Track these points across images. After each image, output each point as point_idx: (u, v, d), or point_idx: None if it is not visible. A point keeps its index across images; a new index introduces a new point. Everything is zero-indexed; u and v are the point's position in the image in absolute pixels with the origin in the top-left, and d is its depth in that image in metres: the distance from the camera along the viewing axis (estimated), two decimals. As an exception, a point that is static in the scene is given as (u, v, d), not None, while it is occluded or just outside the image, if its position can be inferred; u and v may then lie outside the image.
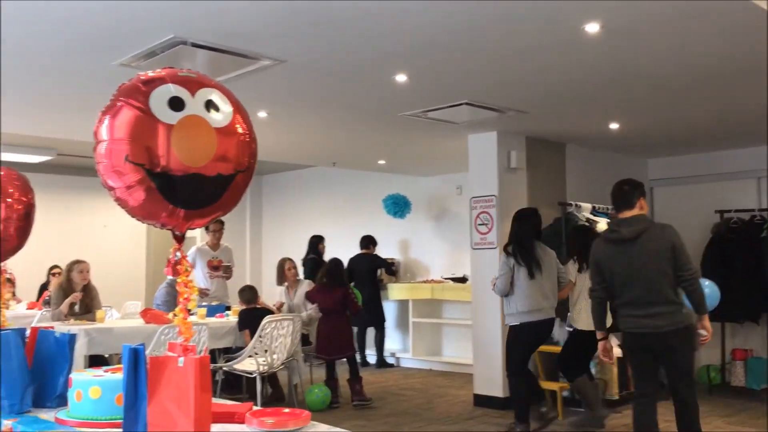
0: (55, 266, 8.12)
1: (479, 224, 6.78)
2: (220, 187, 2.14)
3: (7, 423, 2.43)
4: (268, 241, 11.42)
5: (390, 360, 9.16)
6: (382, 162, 8.62)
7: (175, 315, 2.25)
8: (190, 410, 1.92)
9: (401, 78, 4.89)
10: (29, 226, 3.11)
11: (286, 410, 2.49)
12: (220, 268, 7.31)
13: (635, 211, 4.09)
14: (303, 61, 4.53)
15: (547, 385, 6.26)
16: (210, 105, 2.15)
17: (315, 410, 5.76)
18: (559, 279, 5.45)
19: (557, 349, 6.34)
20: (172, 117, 2.06)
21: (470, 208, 6.86)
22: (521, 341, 5.32)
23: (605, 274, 4.11)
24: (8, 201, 2.97)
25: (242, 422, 2.39)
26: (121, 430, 2.13)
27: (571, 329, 5.72)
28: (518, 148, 6.87)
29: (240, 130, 2.20)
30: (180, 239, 2.18)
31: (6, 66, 4.62)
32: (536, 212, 5.55)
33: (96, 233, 10.54)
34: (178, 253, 2.19)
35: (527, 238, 5.33)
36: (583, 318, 5.49)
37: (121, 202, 2.11)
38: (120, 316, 7.56)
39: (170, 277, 6.92)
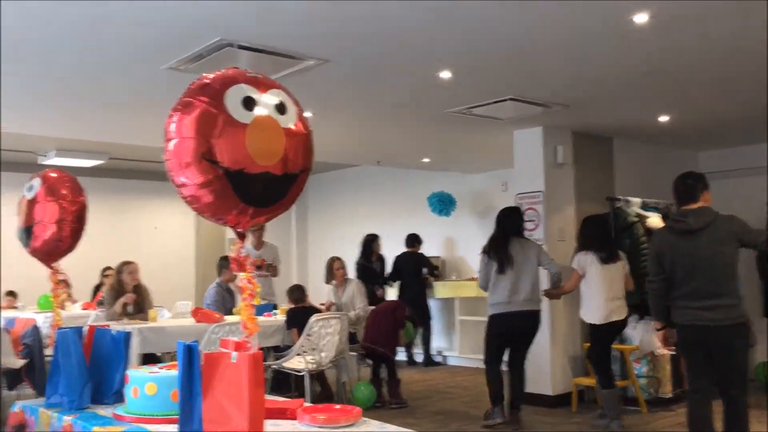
0: (108, 267, 8.30)
1: (526, 220, 6.70)
2: (287, 186, 2.19)
3: (67, 419, 2.50)
4: (314, 240, 11.50)
5: (437, 358, 9.14)
6: (426, 160, 8.60)
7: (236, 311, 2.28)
8: (244, 405, 1.95)
9: (446, 75, 4.87)
10: (82, 227, 3.19)
11: (337, 407, 2.51)
12: (263, 267, 7.38)
13: (700, 204, 4.02)
14: (347, 60, 4.55)
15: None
16: (279, 105, 2.20)
17: (361, 408, 5.76)
18: (549, 271, 5.56)
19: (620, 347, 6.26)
20: (246, 116, 2.11)
21: (516, 205, 6.78)
22: (491, 332, 5.60)
23: (666, 265, 4.04)
24: (61, 202, 3.06)
25: (294, 418, 2.41)
26: (176, 425, 2.17)
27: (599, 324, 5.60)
28: (564, 143, 6.78)
29: (303, 131, 2.26)
30: (243, 236, 2.21)
31: (59, 72, 4.75)
32: (515, 210, 5.81)
33: (147, 235, 10.77)
34: (244, 250, 2.23)
35: (502, 236, 5.58)
36: (601, 311, 5.45)
37: (192, 200, 2.14)
38: (171, 316, 7.70)
39: (218, 279, 7.04)
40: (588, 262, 5.53)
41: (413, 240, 9.03)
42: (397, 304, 6.86)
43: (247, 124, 2.10)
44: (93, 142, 7.85)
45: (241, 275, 2.24)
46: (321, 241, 11.26)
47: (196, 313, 6.07)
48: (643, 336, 6.23)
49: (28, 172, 9.23)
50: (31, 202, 2.96)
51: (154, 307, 6.50)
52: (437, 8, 3.65)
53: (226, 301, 7.05)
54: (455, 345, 9.07)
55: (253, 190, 2.11)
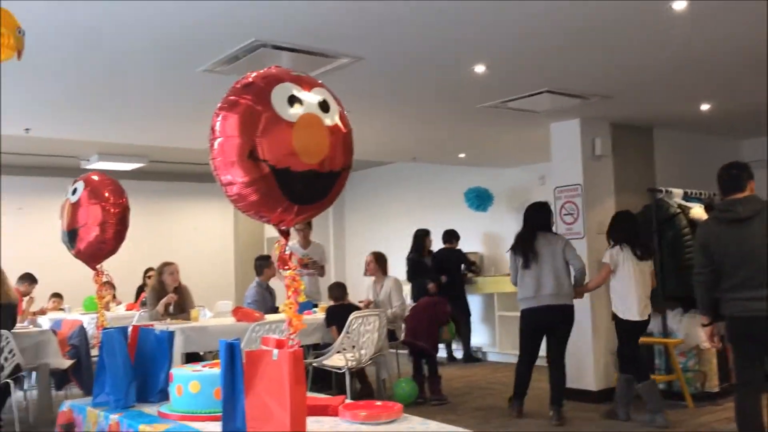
0: (150, 269, 8.45)
1: (564, 214, 6.63)
2: (330, 184, 2.21)
3: (114, 417, 2.55)
4: (351, 237, 11.55)
5: (476, 354, 9.09)
6: (462, 155, 8.55)
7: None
8: (286, 402, 1.96)
9: (480, 69, 4.84)
10: (125, 228, 3.25)
11: (378, 403, 2.51)
12: (309, 266, 7.41)
13: (746, 193, 3.94)
14: (381, 57, 4.55)
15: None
16: (322, 103, 2.22)
17: (402, 404, 5.77)
18: (573, 267, 5.52)
19: (654, 340, 6.15)
20: (292, 115, 2.13)
21: (554, 198, 6.71)
22: (521, 327, 5.66)
23: (714, 256, 3.95)
24: (104, 205, 3.11)
25: (335, 415, 2.42)
26: (220, 422, 2.19)
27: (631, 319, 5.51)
28: (603, 134, 6.68)
29: (345, 129, 2.27)
30: (286, 234, 2.23)
31: (98, 78, 4.84)
32: (540, 205, 5.81)
33: (187, 236, 10.94)
34: (289, 248, 2.25)
35: (528, 231, 5.63)
36: (638, 307, 5.38)
37: (238, 198, 2.16)
38: (212, 315, 7.81)
39: (257, 278, 7.09)
40: (622, 257, 5.46)
41: (450, 236, 8.99)
42: (437, 300, 6.85)
43: (293, 122, 2.11)
44: (133, 145, 7.99)
45: (286, 273, 2.25)
46: (358, 238, 11.29)
47: (237, 312, 6.14)
48: (689, 329, 6.12)
49: (72, 177, 9.45)
50: (75, 206, 3.02)
51: (196, 306, 6.60)
52: (469, 2, 3.62)
53: (266, 300, 7.11)
54: (495, 341, 9.01)
55: (299, 188, 2.13)
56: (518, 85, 5.36)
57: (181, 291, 6.49)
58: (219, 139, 2.15)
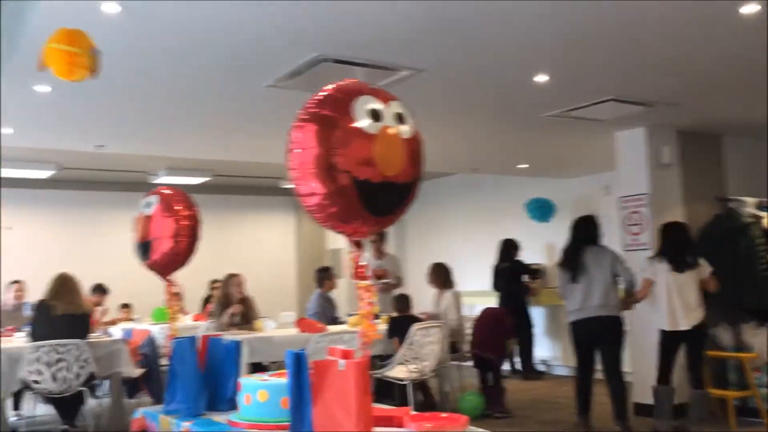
0: (216, 280, 8.62)
1: (630, 224, 6.49)
2: (405, 195, 2.24)
3: (185, 425, 2.61)
4: (413, 249, 11.53)
5: (540, 368, 8.95)
6: (523, 166, 8.47)
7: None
8: (353, 412, 1.97)
9: (542, 78, 4.79)
10: (196, 240, 3.33)
11: (444, 415, 2.50)
12: (384, 277, 7.41)
13: None
14: (441, 69, 4.56)
15: (716, 392, 5.86)
16: (399, 116, 2.26)
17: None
18: (623, 278, 5.49)
19: (727, 354, 5.94)
20: (373, 127, 2.17)
21: (620, 208, 6.58)
22: (572, 340, 5.65)
23: None
24: (177, 218, 3.20)
25: (401, 426, 2.42)
26: (288, 431, 2.22)
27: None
28: (670, 142, 6.52)
29: (418, 141, 2.31)
30: (360, 246, 2.25)
31: (164, 95, 5.00)
32: (587, 219, 5.76)
33: (250, 248, 11.15)
34: (363, 259, 2.27)
35: (574, 245, 5.63)
36: (667, 318, 5.39)
37: (317, 209, 2.18)
38: (276, 326, 7.92)
39: (318, 289, 7.15)
40: (659, 269, 5.46)
41: (510, 247, 8.90)
42: (502, 311, 6.79)
43: (374, 134, 2.14)
44: (199, 160, 8.22)
45: (361, 283, 2.27)
46: (419, 249, 11.27)
47: (300, 323, 6.21)
48: (765, 344, 5.88)
49: (142, 191, 9.74)
50: (149, 218, 3.11)
51: (260, 317, 6.70)
52: (533, 12, 3.60)
53: (327, 311, 7.17)
54: (558, 353, 8.85)
55: (378, 200, 2.16)
56: (581, 94, 5.29)
57: (246, 302, 6.61)
58: (299, 151, 2.18)
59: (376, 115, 2.18)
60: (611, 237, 7.43)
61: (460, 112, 5.80)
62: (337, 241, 11.50)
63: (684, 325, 5.34)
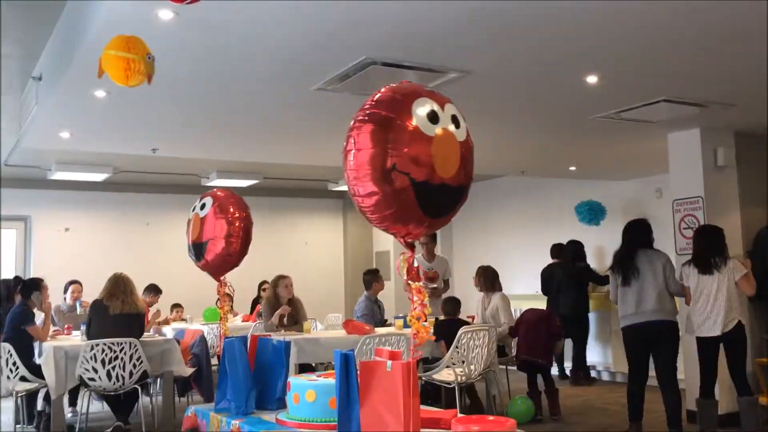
0: (265, 281, 8.74)
1: (684, 228, 6.34)
2: (458, 198, 2.25)
3: (235, 423, 2.65)
4: (459, 252, 11.49)
5: (591, 373, 8.79)
6: (573, 168, 8.36)
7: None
8: (400, 413, 1.98)
9: (592, 79, 4.72)
10: (248, 242, 3.38)
11: (491, 418, 2.49)
12: (436, 280, 7.43)
13: None
14: (489, 71, 4.53)
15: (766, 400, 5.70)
16: (454, 118, 2.27)
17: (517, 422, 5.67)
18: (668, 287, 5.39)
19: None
20: (431, 129, 2.18)
21: (673, 212, 6.44)
22: (625, 345, 5.57)
23: None
24: (230, 219, 3.25)
25: (448, 428, 2.41)
26: (335, 431, 2.24)
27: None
28: (726, 144, 6.35)
29: (471, 144, 2.32)
30: (413, 247, 2.26)
31: (215, 99, 5.09)
32: (640, 223, 5.66)
33: (298, 250, 11.26)
34: (415, 261, 2.28)
35: (627, 249, 5.52)
36: (691, 323, 5.36)
37: (374, 210, 2.18)
38: (323, 328, 7.98)
39: (366, 292, 7.17)
40: (687, 273, 5.40)
41: (559, 250, 8.78)
42: (548, 313, 6.71)
43: (432, 136, 2.15)
44: (249, 162, 8.34)
45: (414, 285, 2.27)
46: (465, 252, 11.23)
47: (348, 324, 6.24)
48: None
49: (193, 194, 9.95)
50: (203, 220, 3.17)
51: (308, 319, 6.76)
52: (583, 11, 3.55)
53: (375, 314, 7.19)
54: (609, 359, 8.70)
55: (434, 201, 2.17)
56: (633, 95, 5.19)
57: (294, 303, 6.67)
58: (356, 152, 2.18)
59: (434, 117, 2.19)
60: (662, 241, 7.27)
61: (509, 114, 5.76)
62: (384, 244, 11.52)
63: (715, 331, 5.21)
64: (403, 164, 2.09)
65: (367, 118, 2.18)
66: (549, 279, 8.66)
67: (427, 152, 2.12)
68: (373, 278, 7.31)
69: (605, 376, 8.75)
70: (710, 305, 5.24)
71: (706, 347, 5.34)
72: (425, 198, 2.14)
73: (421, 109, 2.18)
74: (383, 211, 2.15)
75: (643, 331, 5.34)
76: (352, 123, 2.24)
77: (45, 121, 5.48)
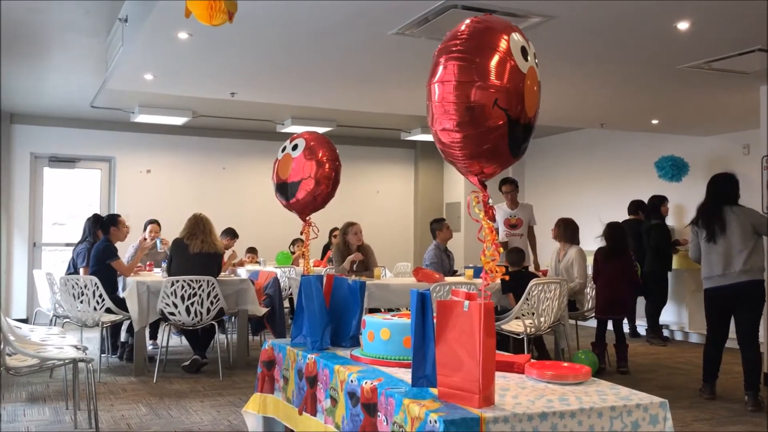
0: (335, 228, 8.87)
1: (773, 186, 6.06)
2: (530, 138, 2.16)
3: (311, 357, 2.73)
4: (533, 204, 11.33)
5: (664, 332, 8.62)
6: (655, 122, 8.06)
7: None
8: (477, 353, 1.98)
9: (683, 25, 4.50)
10: (337, 184, 3.37)
11: (565, 364, 2.48)
12: (518, 226, 7.46)
13: None
14: (574, 15, 4.38)
15: None
16: (534, 56, 2.18)
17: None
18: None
19: None
20: (524, 66, 2.10)
21: (761, 169, 6.15)
22: (707, 307, 5.38)
23: None
24: (320, 161, 3.26)
25: (521, 372, 2.42)
26: (408, 369, 2.28)
27: None
28: (824, 98, 5.99)
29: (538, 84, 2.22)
30: (485, 187, 2.17)
31: (291, 44, 5.09)
32: (726, 177, 5.38)
33: (370, 199, 11.34)
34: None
35: (712, 204, 5.29)
36: None
37: (463, 145, 2.05)
38: (392, 276, 8.06)
39: (435, 241, 7.18)
40: None
41: (636, 207, 8.54)
42: (628, 266, 6.54)
43: (525, 73, 2.08)
44: (323, 109, 8.38)
45: (486, 224, 2.19)
46: (537, 206, 11.06)
47: (417, 272, 6.29)
48: None
49: (268, 140, 10.03)
50: (294, 160, 3.18)
51: (378, 266, 6.84)
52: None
53: (444, 262, 7.21)
54: (684, 319, 8.50)
55: (522, 140, 2.10)
56: (726, 43, 4.93)
57: (364, 250, 6.76)
58: (448, 84, 2.05)
59: (525, 53, 2.10)
60: (749, 199, 6.96)
61: (591, 62, 5.56)
62: (455, 195, 11.47)
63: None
64: (504, 100, 2.01)
65: (463, 49, 2.05)
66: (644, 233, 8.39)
67: (521, 90, 2.04)
68: (438, 226, 7.32)
69: (678, 336, 8.57)
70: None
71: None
72: (515, 137, 2.07)
73: (516, 44, 2.09)
74: (475, 147, 2.05)
75: (729, 292, 5.16)
76: (443, 54, 2.13)
77: (130, 63, 5.62)
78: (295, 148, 3.22)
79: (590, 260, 6.93)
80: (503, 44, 2.04)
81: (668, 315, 8.74)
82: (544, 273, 6.81)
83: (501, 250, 2.22)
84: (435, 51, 2.16)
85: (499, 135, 2.03)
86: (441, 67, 2.08)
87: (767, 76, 5.77)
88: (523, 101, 2.04)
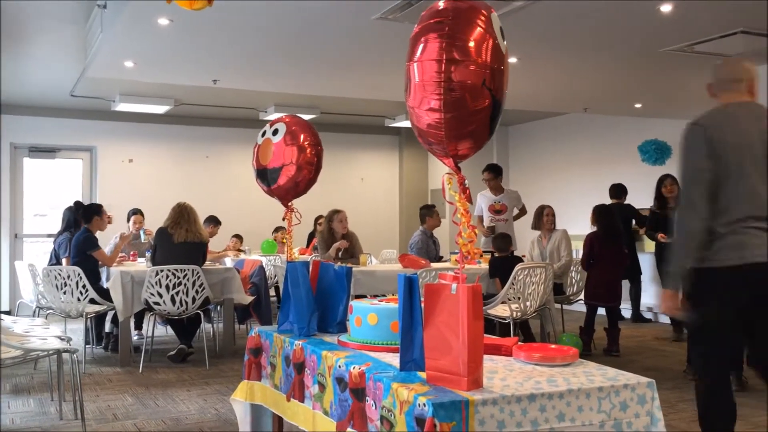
0: (320, 216, 8.84)
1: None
2: (498, 118, 2.10)
3: (298, 343, 2.71)
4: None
5: (647, 315, 8.71)
6: (638, 105, 8.09)
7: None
8: (464, 336, 1.98)
9: (666, 8, 4.51)
10: (319, 169, 3.34)
11: (553, 346, 2.48)
12: (503, 212, 7.50)
13: None
14: (558, -1, 4.37)
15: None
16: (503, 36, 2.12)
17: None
18: None
19: None
20: (503, 47, 2.06)
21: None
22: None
23: None
24: (302, 146, 3.21)
25: (509, 355, 2.42)
26: (396, 353, 2.27)
27: None
28: (805, 80, 6.02)
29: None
30: (460, 170, 2.12)
31: (271, 29, 5.04)
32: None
33: (355, 186, 11.31)
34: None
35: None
36: None
37: (447, 126, 1.99)
38: (378, 263, 8.06)
39: (422, 227, 7.17)
40: None
41: (619, 191, 8.58)
42: (621, 250, 6.64)
43: (504, 54, 2.04)
44: (306, 96, 8.33)
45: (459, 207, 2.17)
46: (522, 191, 11.09)
47: (403, 258, 6.28)
48: None
49: (251, 128, 9.93)
50: (275, 145, 3.14)
51: (364, 253, 6.83)
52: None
53: (430, 249, 7.21)
54: (666, 302, 8.57)
55: (496, 122, 2.06)
56: (708, 26, 4.95)
57: (350, 237, 6.74)
58: (427, 63, 1.98)
59: (503, 34, 2.07)
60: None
61: (575, 47, 5.56)
62: (439, 181, 11.47)
63: None
64: (489, 80, 1.97)
65: (448, 27, 1.97)
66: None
67: (503, 70, 2.02)
68: (428, 213, 7.32)
69: (662, 318, 8.65)
70: None
71: None
72: (494, 119, 2.05)
73: (496, 23, 2.06)
74: (458, 128, 1.99)
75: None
76: (426, 32, 2.06)
77: (110, 50, 5.55)
78: (275, 132, 3.17)
79: (576, 244, 6.98)
80: (486, 23, 2.01)
81: (651, 297, 8.82)
82: (524, 257, 6.85)
83: (477, 232, 2.19)
84: (415, 28, 2.09)
85: (483, 116, 2.00)
86: (423, 45, 2.01)
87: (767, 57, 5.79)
88: (504, 81, 2.02)
